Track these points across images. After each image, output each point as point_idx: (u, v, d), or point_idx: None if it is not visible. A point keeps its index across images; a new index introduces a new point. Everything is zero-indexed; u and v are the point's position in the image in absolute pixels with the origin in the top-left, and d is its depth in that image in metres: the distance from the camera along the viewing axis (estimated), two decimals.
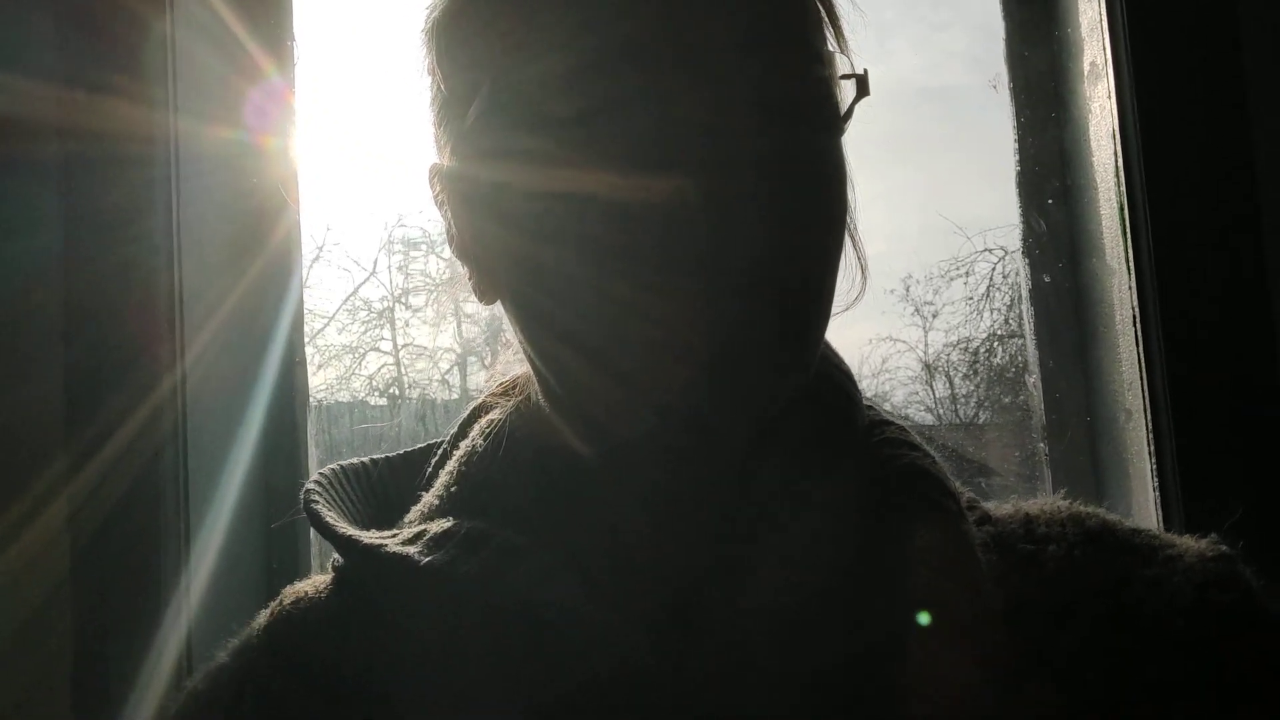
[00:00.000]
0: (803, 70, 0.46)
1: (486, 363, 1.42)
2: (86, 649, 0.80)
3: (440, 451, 0.57)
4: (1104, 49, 0.86)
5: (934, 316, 1.25)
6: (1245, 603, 0.47)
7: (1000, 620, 0.45)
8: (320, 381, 1.30)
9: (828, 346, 0.52)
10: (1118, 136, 0.85)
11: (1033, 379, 1.00)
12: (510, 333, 0.53)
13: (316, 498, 0.53)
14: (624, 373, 0.45)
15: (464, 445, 0.54)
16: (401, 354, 1.32)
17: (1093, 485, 0.95)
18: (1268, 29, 0.83)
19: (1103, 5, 0.85)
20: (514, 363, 0.58)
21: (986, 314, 1.22)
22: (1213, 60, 0.83)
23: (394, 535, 0.50)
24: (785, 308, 0.45)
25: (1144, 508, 0.87)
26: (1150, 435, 0.83)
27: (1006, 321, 1.23)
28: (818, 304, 0.47)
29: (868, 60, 0.50)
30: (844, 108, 0.48)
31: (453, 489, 0.52)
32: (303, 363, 0.95)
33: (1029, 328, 1.00)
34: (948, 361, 1.30)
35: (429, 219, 1.31)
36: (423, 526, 0.49)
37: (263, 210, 0.96)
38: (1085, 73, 0.92)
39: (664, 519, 0.48)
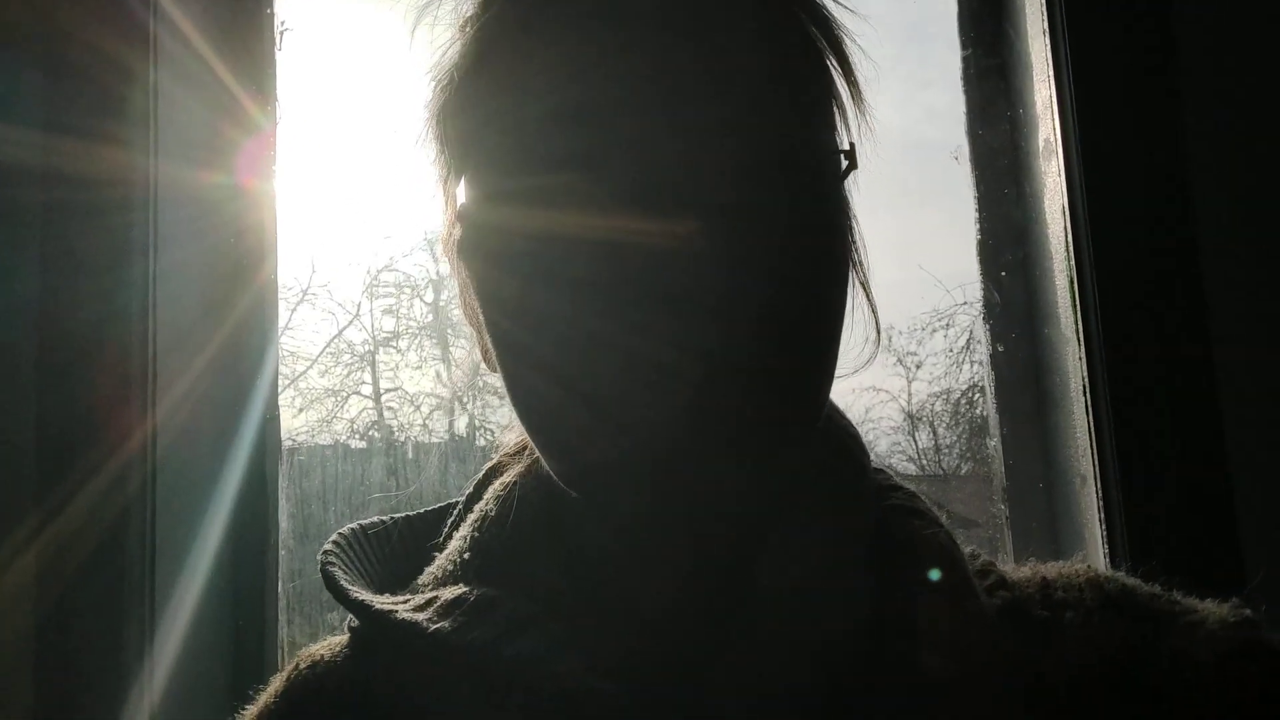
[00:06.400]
0: (797, 120, 0.46)
1: (467, 407, 1.43)
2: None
3: (456, 513, 0.57)
4: (1055, 128, 0.89)
5: (917, 367, 1.25)
6: (1271, 672, 0.46)
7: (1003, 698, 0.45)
8: (301, 424, 1.31)
9: (836, 411, 0.52)
10: (1067, 212, 0.87)
11: (993, 442, 1.02)
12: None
13: (333, 560, 0.54)
14: (599, 397, 0.44)
15: (477, 509, 0.55)
16: (384, 399, 1.32)
17: (1051, 549, 0.97)
18: (1210, 113, 0.86)
19: (1053, 85, 0.88)
20: None
21: (966, 366, 1.22)
22: (1158, 140, 0.86)
23: (405, 600, 0.50)
24: (767, 340, 0.44)
25: None
26: (1100, 501, 0.85)
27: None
28: (809, 345, 0.46)
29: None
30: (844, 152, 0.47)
31: (465, 555, 0.52)
32: (276, 419, 0.96)
33: (990, 392, 1.02)
34: (931, 412, 1.30)
35: (413, 263, 1.33)
36: (435, 593, 0.50)
37: (241, 258, 0.97)
38: (1040, 150, 0.95)
39: (651, 559, 0.48)
